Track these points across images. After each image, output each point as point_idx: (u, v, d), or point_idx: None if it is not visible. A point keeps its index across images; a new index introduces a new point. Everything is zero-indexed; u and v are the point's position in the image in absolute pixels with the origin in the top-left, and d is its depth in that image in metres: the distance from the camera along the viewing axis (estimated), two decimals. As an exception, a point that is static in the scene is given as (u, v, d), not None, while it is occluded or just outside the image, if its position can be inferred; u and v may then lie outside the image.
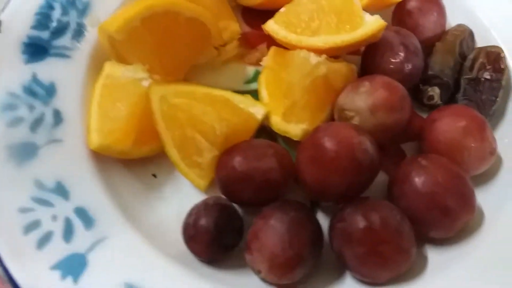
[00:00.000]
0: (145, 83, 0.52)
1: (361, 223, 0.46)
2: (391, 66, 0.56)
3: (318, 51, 0.53)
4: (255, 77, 0.60)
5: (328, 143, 0.48)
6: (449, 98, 0.59)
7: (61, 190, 0.48)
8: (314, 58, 0.53)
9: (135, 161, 0.54)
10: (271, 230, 0.46)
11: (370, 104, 0.51)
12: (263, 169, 0.48)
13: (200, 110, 0.50)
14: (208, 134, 0.50)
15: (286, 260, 0.45)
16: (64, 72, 0.54)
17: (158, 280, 0.46)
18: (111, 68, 0.55)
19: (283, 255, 0.45)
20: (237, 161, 0.49)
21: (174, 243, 0.49)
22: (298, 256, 0.45)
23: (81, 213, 0.48)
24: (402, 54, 0.56)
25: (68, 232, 0.46)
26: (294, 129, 0.54)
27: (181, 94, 0.52)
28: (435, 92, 0.58)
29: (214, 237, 0.47)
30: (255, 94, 0.57)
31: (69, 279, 0.44)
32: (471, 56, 0.60)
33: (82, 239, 0.46)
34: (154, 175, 0.55)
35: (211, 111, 0.50)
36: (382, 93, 0.51)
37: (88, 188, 0.49)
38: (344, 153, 0.47)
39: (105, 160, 0.52)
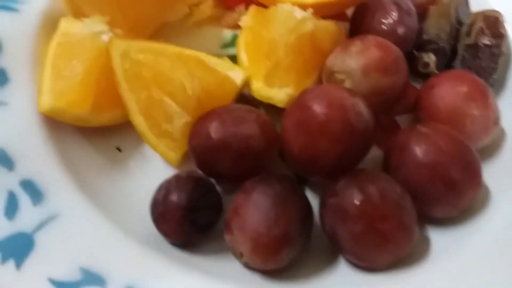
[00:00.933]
0: (105, 38, 0.46)
1: (357, 196, 0.40)
2: (383, 27, 0.52)
3: (304, 6, 0.48)
4: (233, 41, 0.54)
5: (317, 106, 0.42)
6: (446, 66, 0.55)
7: (4, 160, 0.42)
8: (299, 13, 0.47)
9: (95, 131, 0.48)
10: (254, 206, 0.40)
11: (362, 64, 0.46)
12: (242, 135, 0.42)
13: (167, 66, 0.44)
14: (178, 95, 0.44)
15: (272, 239, 0.39)
16: (11, 27, 0.48)
17: (120, 265, 0.39)
18: (67, 25, 0.48)
19: (268, 234, 0.39)
20: (213, 127, 0.43)
21: (141, 223, 0.43)
22: (286, 235, 0.39)
23: (28, 186, 0.42)
24: (394, 14, 0.52)
25: (12, 208, 0.40)
26: (278, 94, 0.48)
27: (147, 49, 0.46)
28: (430, 58, 0.54)
29: (186, 215, 0.40)
30: (233, 61, 0.51)
31: (11, 263, 0.38)
32: (468, 21, 0.56)
33: (28, 216, 0.40)
34: (119, 149, 0.49)
35: (181, 67, 0.44)
36: (376, 52, 0.47)
37: (38, 158, 0.43)
38: (335, 116, 0.42)
39: (59, 127, 0.46)
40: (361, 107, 0.42)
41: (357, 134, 0.42)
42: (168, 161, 0.47)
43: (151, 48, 0.46)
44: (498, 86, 0.54)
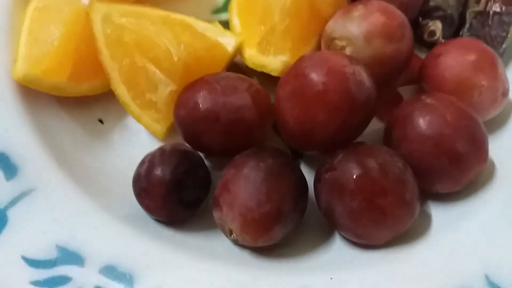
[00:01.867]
0: (85, 0, 0.42)
1: (355, 170, 0.37)
2: (386, -10, 0.48)
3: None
4: (225, 6, 0.51)
5: (315, 74, 0.39)
6: (453, 35, 0.51)
7: None
8: (297, -27, 0.44)
9: (76, 101, 0.45)
10: (244, 180, 0.37)
11: (364, 30, 0.43)
12: (233, 106, 0.39)
13: (152, 30, 0.41)
14: (163, 62, 0.41)
15: (263, 215, 0.36)
16: None
17: (99, 242, 0.37)
18: (46, -12, 0.44)
19: (258, 210, 0.36)
20: (201, 96, 0.39)
21: (123, 199, 0.40)
22: (277, 211, 0.37)
23: (1, 159, 0.39)
24: None
25: None
26: (273, 62, 0.45)
27: (130, 13, 0.42)
28: (436, 26, 0.51)
29: (171, 190, 0.38)
30: (225, 27, 0.48)
31: None
32: (477, -14, 0.52)
33: (1, 191, 0.37)
34: (101, 121, 0.46)
35: (166, 31, 0.41)
36: (379, 17, 0.43)
37: (12, 130, 0.40)
38: (334, 85, 0.38)
39: (36, 97, 0.43)
40: (363, 75, 0.39)
41: (358, 105, 0.39)
42: (153, 133, 0.44)
43: (135, 12, 0.43)
44: (508, 56, 0.50)
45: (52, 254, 0.35)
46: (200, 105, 0.39)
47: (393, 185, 0.37)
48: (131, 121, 0.45)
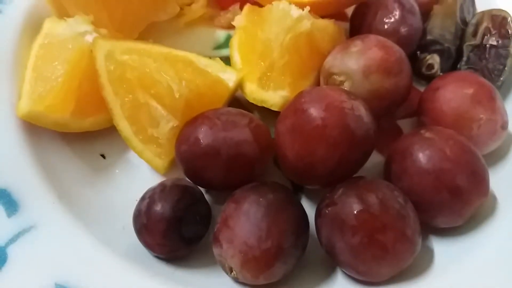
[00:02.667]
0: (89, 38, 0.43)
1: (355, 206, 0.37)
2: (385, 26, 0.49)
3: (301, 4, 0.45)
4: (226, 42, 0.52)
5: (314, 109, 0.39)
6: (451, 68, 0.52)
7: None
8: (296, 11, 0.45)
9: (78, 137, 0.45)
10: (245, 216, 0.37)
11: (362, 65, 0.44)
12: (233, 141, 0.40)
13: (153, 68, 0.41)
14: (165, 98, 0.41)
15: (263, 253, 0.36)
16: None
17: (99, 280, 0.36)
18: (50, 25, 0.46)
19: (259, 247, 0.36)
20: (202, 131, 0.40)
21: (124, 235, 0.40)
22: (278, 248, 0.37)
23: (3, 196, 0.39)
24: (397, 12, 0.49)
25: None
26: (273, 97, 0.45)
27: (133, 50, 0.43)
28: (434, 60, 0.51)
29: (171, 227, 0.38)
30: (226, 62, 0.48)
31: None
32: (473, 21, 0.53)
33: (1, 228, 0.38)
34: (103, 156, 0.46)
35: (168, 68, 0.41)
36: (377, 52, 0.44)
37: (14, 166, 0.41)
38: (333, 121, 0.39)
39: (39, 133, 0.43)
40: (361, 110, 0.40)
41: (357, 140, 0.39)
42: (154, 168, 0.44)
43: (137, 49, 0.44)
44: (506, 89, 0.51)
45: (51, 292, 0.35)
46: (201, 140, 0.39)
47: (393, 221, 0.37)
48: (133, 156, 0.45)
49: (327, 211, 0.39)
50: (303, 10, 0.45)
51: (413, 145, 0.41)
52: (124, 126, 0.43)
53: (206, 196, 0.42)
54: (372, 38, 0.45)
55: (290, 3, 0.45)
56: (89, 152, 0.45)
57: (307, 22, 0.45)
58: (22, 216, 0.38)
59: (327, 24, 0.47)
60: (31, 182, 0.40)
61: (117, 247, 0.39)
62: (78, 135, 0.45)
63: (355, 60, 0.44)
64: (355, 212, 0.37)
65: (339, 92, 0.40)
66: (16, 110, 0.42)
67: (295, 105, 0.41)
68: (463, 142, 0.41)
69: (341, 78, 0.44)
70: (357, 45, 0.45)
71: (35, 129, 0.43)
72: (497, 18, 0.52)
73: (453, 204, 0.40)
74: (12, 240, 0.37)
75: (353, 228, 0.37)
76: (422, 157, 0.40)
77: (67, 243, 0.38)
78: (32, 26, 0.47)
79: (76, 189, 0.42)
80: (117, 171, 0.45)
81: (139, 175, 0.45)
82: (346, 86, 0.44)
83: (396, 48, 0.45)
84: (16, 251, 0.37)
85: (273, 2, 0.46)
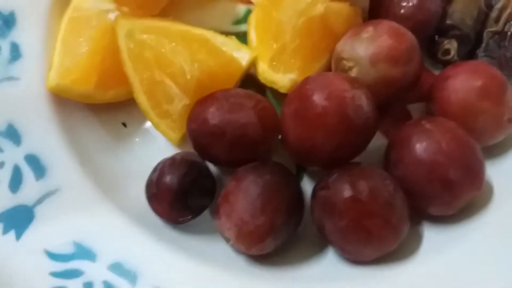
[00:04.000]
0: (111, 16, 0.46)
1: (346, 192, 0.40)
2: (402, 11, 0.48)
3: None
4: (245, 17, 0.52)
5: (316, 96, 0.41)
6: (468, 54, 0.51)
7: (13, 134, 0.44)
8: (311, -6, 0.45)
9: (103, 107, 0.48)
10: (243, 194, 0.40)
11: (370, 53, 0.44)
12: (238, 123, 0.42)
13: (169, 48, 0.44)
14: (178, 78, 0.44)
15: (256, 228, 0.40)
16: (24, 1, 0.48)
17: (111, 241, 0.41)
18: (79, -1, 0.48)
19: (252, 223, 0.40)
20: (210, 112, 0.42)
21: (138, 200, 0.44)
22: (270, 224, 0.40)
23: (33, 161, 0.43)
24: None
25: (16, 181, 0.42)
26: (282, 79, 0.47)
27: (151, 29, 0.45)
28: (452, 45, 0.50)
29: (177, 197, 0.41)
30: (245, 38, 0.50)
31: (11, 234, 0.40)
32: (498, 6, 0.51)
33: (30, 190, 0.42)
34: (124, 124, 0.49)
35: (182, 50, 0.44)
36: (386, 40, 0.44)
37: (44, 134, 0.45)
38: (333, 109, 0.40)
39: (67, 104, 0.47)
40: (362, 100, 0.41)
41: (355, 129, 0.41)
42: (169, 140, 0.47)
43: (156, 28, 0.46)
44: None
45: (70, 249, 0.40)
46: (209, 121, 0.42)
47: (380, 208, 0.39)
48: (151, 126, 0.48)
49: (320, 194, 0.41)
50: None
51: (412, 135, 0.42)
52: (142, 100, 0.46)
53: (214, 169, 0.45)
54: (385, 25, 0.45)
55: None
56: (112, 120, 0.49)
57: (321, 6, 0.45)
58: (48, 180, 0.42)
59: (342, 7, 0.47)
60: (58, 149, 0.44)
61: (129, 211, 0.43)
62: (102, 106, 0.48)
63: (365, 47, 0.44)
64: (345, 197, 0.39)
65: (343, 81, 0.41)
66: (45, 82, 0.45)
67: (300, 91, 0.43)
68: (461, 136, 0.42)
69: (350, 64, 0.45)
70: (368, 31, 0.44)
71: (63, 100, 0.46)
72: (524, 4, 0.51)
73: (444, 195, 0.41)
74: (39, 201, 0.41)
75: (341, 212, 0.39)
76: (418, 147, 0.41)
77: (86, 206, 0.42)
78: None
79: (98, 156, 0.46)
80: (136, 139, 0.48)
81: (156, 144, 0.48)
82: (354, 72, 0.44)
83: (408, 36, 0.45)
84: (42, 211, 0.41)
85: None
